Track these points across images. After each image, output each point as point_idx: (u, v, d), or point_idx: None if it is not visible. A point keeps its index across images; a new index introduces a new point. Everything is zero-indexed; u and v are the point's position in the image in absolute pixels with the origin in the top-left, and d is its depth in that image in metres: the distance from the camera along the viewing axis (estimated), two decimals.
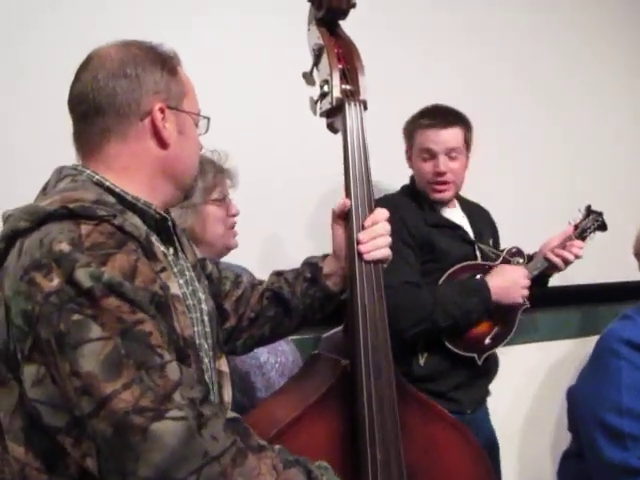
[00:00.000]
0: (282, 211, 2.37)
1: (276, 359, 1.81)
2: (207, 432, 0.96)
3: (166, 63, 1.19)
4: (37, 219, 1.01)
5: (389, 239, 1.37)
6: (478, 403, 2.22)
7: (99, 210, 1.02)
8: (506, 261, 2.20)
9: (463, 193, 2.36)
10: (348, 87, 1.44)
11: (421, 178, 2.22)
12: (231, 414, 1.06)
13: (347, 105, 1.41)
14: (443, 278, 2.13)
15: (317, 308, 1.47)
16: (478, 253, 2.23)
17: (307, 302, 1.46)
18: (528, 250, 2.26)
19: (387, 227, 1.37)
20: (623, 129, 3.11)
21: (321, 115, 1.48)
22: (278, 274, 1.51)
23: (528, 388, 2.75)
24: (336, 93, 1.41)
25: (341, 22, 1.51)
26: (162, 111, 1.16)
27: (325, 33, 1.49)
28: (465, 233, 2.24)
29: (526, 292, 2.14)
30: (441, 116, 2.19)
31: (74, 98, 1.17)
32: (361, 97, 1.44)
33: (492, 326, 2.17)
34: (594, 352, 1.55)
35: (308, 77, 1.52)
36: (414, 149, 2.22)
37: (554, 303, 2.81)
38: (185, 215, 1.70)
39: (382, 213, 1.38)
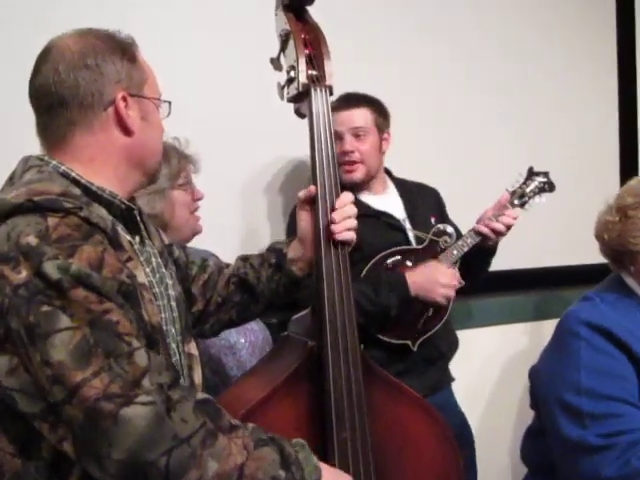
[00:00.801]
0: (248, 195, 2.38)
1: (246, 339, 1.84)
2: (176, 415, 0.99)
3: (126, 51, 1.20)
4: (3, 212, 1.03)
5: (355, 222, 1.39)
6: (432, 389, 2.20)
7: (65, 203, 1.03)
8: (433, 242, 2.19)
9: (413, 175, 2.38)
10: (314, 73, 1.45)
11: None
12: (202, 396, 1.09)
13: (313, 90, 1.42)
14: (367, 268, 2.12)
15: (282, 293, 1.50)
16: (412, 238, 2.23)
17: (272, 287, 1.48)
18: None
19: (354, 210, 1.40)
20: (581, 101, 3.11)
21: (288, 100, 1.49)
22: (244, 259, 1.53)
23: (495, 369, 2.78)
24: (302, 79, 1.43)
25: (308, 7, 1.53)
26: (125, 99, 1.17)
27: (292, 19, 1.49)
28: (393, 219, 2.23)
29: (449, 292, 2.11)
30: (346, 98, 2.22)
31: (36, 91, 1.18)
32: (327, 82, 1.45)
33: (424, 311, 2.16)
34: (555, 333, 1.59)
35: (275, 62, 1.53)
36: None
37: (516, 286, 2.83)
38: (153, 201, 1.72)
39: (348, 196, 1.41)
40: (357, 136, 2.20)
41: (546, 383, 1.56)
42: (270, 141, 2.32)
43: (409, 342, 2.15)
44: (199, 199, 1.86)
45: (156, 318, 1.12)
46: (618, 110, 3.23)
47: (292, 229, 2.16)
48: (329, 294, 1.36)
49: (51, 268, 0.97)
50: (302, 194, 1.43)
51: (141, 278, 1.12)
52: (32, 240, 0.98)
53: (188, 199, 1.81)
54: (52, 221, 1.01)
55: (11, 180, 1.17)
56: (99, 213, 1.09)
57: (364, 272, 2.12)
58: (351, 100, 2.22)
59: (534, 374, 1.64)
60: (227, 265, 1.54)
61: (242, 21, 2.32)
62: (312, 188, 1.40)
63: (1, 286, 0.98)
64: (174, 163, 1.76)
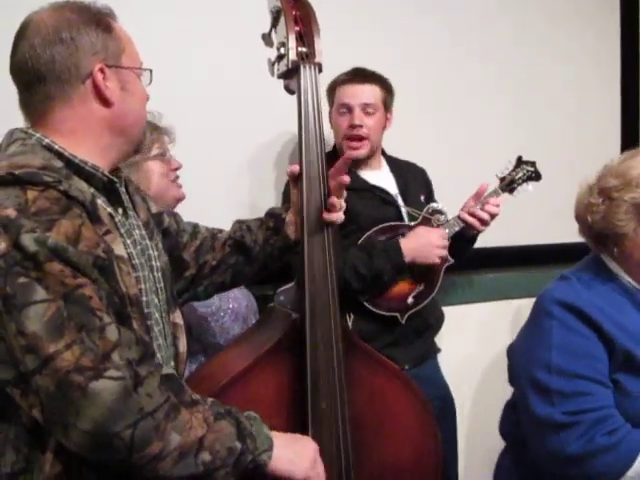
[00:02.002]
0: (243, 169, 2.42)
1: (228, 305, 1.88)
2: (142, 390, 1.03)
3: (100, 22, 1.20)
4: None
5: (343, 204, 1.44)
6: (419, 359, 2.27)
7: (45, 176, 1.06)
8: (426, 220, 2.23)
9: (401, 153, 2.41)
10: (304, 50, 1.46)
11: (338, 134, 2.28)
12: (166, 370, 1.12)
13: (302, 67, 1.44)
14: (361, 240, 2.17)
15: (277, 257, 1.55)
16: (404, 213, 2.27)
17: (268, 250, 1.53)
18: None
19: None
20: (565, 97, 3.10)
21: (278, 77, 1.51)
22: (240, 222, 1.58)
23: (481, 345, 2.82)
24: (292, 56, 1.44)
25: None
26: (102, 71, 1.18)
27: None
28: (387, 194, 2.27)
29: (442, 252, 2.17)
30: (359, 73, 2.25)
31: (14, 67, 1.20)
32: (316, 60, 1.46)
33: (414, 285, 2.21)
34: (531, 312, 1.61)
35: (267, 38, 1.54)
36: (334, 107, 2.28)
37: (504, 263, 2.87)
38: (128, 173, 1.75)
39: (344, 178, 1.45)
40: (366, 112, 2.23)
41: (519, 360, 1.59)
42: (265, 115, 2.34)
43: (398, 315, 2.20)
44: (176, 169, 1.88)
45: (133, 290, 1.16)
46: (620, 94, 3.22)
47: (287, 196, 2.20)
48: (310, 268, 1.40)
49: (28, 240, 1.00)
50: (288, 170, 1.47)
51: (119, 251, 1.15)
52: (11, 213, 1.01)
53: (165, 169, 1.83)
54: (31, 194, 1.03)
55: None
56: (78, 186, 1.11)
57: (359, 242, 2.17)
58: (365, 75, 2.25)
59: (511, 351, 1.68)
60: (220, 230, 1.58)
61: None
62: (295, 167, 1.44)
63: None
64: (147, 135, 1.79)
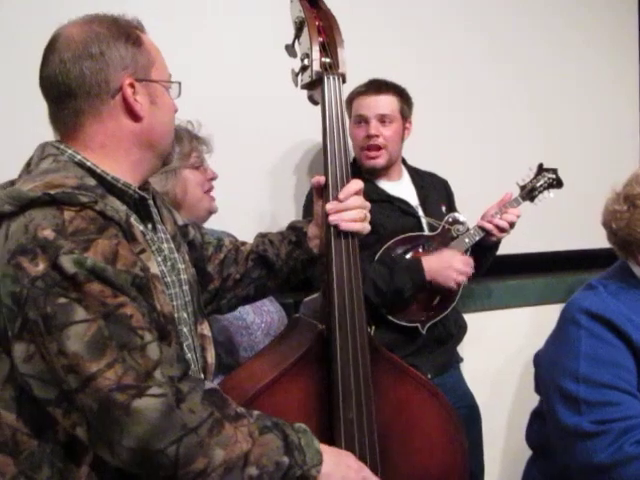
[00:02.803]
0: (265, 178, 2.43)
1: (262, 319, 1.88)
2: (185, 406, 1.04)
3: (130, 36, 1.20)
4: (21, 204, 1.05)
5: (363, 212, 1.41)
6: (441, 368, 2.27)
7: (81, 196, 1.06)
8: (446, 230, 2.24)
9: (426, 165, 2.41)
10: (327, 60, 1.47)
11: (355, 145, 2.29)
12: (209, 385, 1.13)
13: (326, 78, 1.44)
14: (380, 251, 2.17)
15: (300, 270, 1.54)
16: (424, 224, 2.28)
17: (291, 264, 1.53)
18: None
19: (360, 200, 1.41)
20: (591, 107, 3.11)
21: (302, 87, 1.51)
22: (263, 236, 1.57)
23: (503, 352, 2.82)
24: (316, 67, 1.45)
25: None
26: (132, 86, 1.18)
27: (306, 6, 1.51)
28: (407, 205, 2.28)
29: (461, 278, 2.16)
30: (375, 84, 2.26)
31: (44, 82, 1.19)
32: (340, 70, 1.46)
33: (434, 296, 2.21)
34: (558, 320, 1.61)
35: (290, 49, 1.55)
36: (351, 118, 2.28)
37: (524, 270, 2.87)
38: (165, 179, 1.78)
39: (356, 184, 1.42)
40: (382, 122, 2.24)
41: (547, 369, 1.59)
42: (289, 124, 2.35)
43: (419, 325, 2.21)
44: (212, 179, 1.91)
45: (168, 308, 1.16)
46: (639, 100, 3.21)
47: (308, 210, 2.21)
48: (338, 279, 1.39)
49: (67, 262, 1.00)
50: (313, 181, 1.47)
51: (154, 269, 1.16)
52: (49, 234, 1.02)
53: (200, 178, 1.85)
54: (68, 214, 1.04)
55: (28, 167, 1.19)
56: (113, 206, 1.11)
57: (379, 254, 2.17)
58: (380, 86, 2.26)
59: (537, 359, 1.68)
60: (243, 243, 1.58)
61: (260, 4, 2.34)
62: (321, 178, 1.43)
63: (20, 277, 1.02)
64: (186, 144, 1.82)
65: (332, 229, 1.40)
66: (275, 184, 2.45)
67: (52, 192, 1.05)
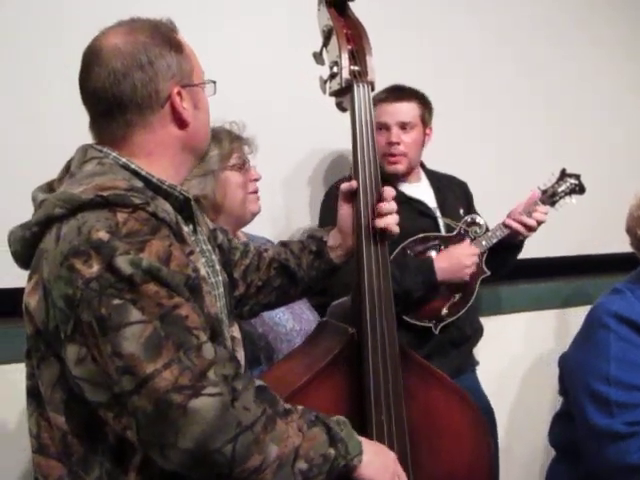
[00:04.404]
0: (285, 184, 2.44)
1: (301, 326, 1.87)
2: (239, 404, 1.04)
3: (172, 42, 1.20)
4: (73, 207, 1.05)
5: (397, 217, 1.44)
6: (455, 371, 2.24)
7: (134, 198, 1.06)
8: (464, 231, 2.25)
9: (447, 167, 2.43)
10: (356, 68, 1.48)
11: (377, 152, 2.29)
12: (259, 382, 1.14)
13: (355, 86, 1.46)
14: (396, 251, 2.17)
15: (321, 279, 1.56)
16: (442, 225, 2.29)
17: (312, 274, 1.54)
18: None
19: (395, 205, 1.44)
20: (610, 109, 3.14)
21: (330, 94, 1.53)
22: (284, 245, 1.58)
23: (521, 356, 2.84)
24: (345, 74, 1.46)
25: (350, 3, 1.57)
26: (179, 94, 1.19)
27: (334, 14, 1.53)
28: (425, 206, 2.29)
29: (472, 269, 2.18)
30: (396, 91, 2.27)
31: (91, 95, 1.18)
32: (369, 78, 1.48)
33: (449, 296, 2.22)
34: (585, 323, 1.64)
35: (318, 57, 1.56)
36: None
37: (542, 274, 2.88)
38: (204, 182, 1.74)
39: (392, 191, 1.45)
40: (403, 129, 2.25)
41: (575, 372, 1.62)
42: (302, 130, 2.36)
43: (431, 325, 2.22)
44: (255, 180, 1.88)
45: (214, 309, 1.17)
46: None
47: (325, 219, 2.24)
48: (369, 283, 1.41)
49: (123, 263, 1.00)
50: (344, 187, 1.48)
51: (202, 271, 1.17)
52: (103, 235, 1.01)
53: (241, 180, 1.82)
54: (121, 216, 1.04)
55: (68, 169, 1.19)
56: (164, 207, 1.12)
57: (394, 254, 2.19)
58: (401, 93, 2.27)
59: (564, 362, 1.70)
60: (266, 249, 1.59)
61: (288, 9, 2.36)
62: (354, 183, 1.45)
63: (73, 279, 1.02)
64: (226, 144, 1.79)
65: (364, 234, 1.42)
66: (289, 189, 2.46)
67: (104, 194, 1.05)
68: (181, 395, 1.00)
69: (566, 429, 1.67)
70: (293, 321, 1.87)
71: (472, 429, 1.52)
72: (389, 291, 1.44)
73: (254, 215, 1.88)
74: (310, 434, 1.13)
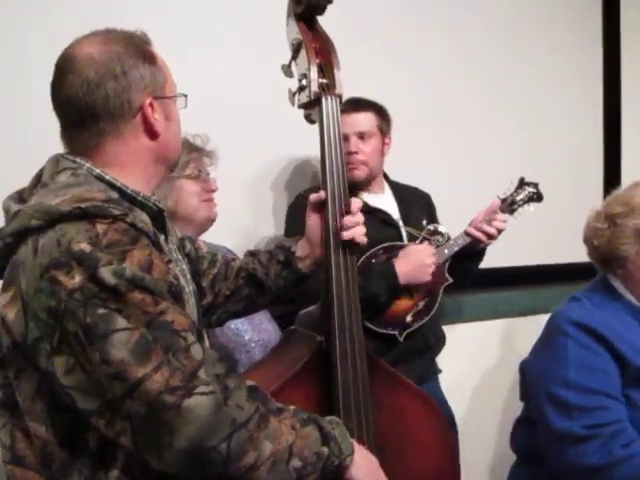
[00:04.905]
0: (252, 193, 2.47)
1: (260, 337, 1.90)
2: (232, 402, 1.05)
3: (146, 54, 1.21)
4: (51, 219, 1.05)
5: (364, 229, 1.47)
6: (420, 379, 2.26)
7: (112, 209, 1.06)
8: (426, 240, 2.31)
9: (411, 179, 2.49)
10: (325, 81, 1.51)
11: None
12: (250, 382, 1.15)
13: (324, 99, 1.49)
14: (360, 260, 2.21)
15: (288, 288, 1.58)
16: (405, 235, 2.34)
17: (280, 283, 1.56)
18: None
19: (361, 218, 1.47)
20: (570, 115, 3.23)
21: (299, 107, 1.55)
22: (252, 255, 1.60)
23: (479, 364, 2.90)
24: (314, 87, 1.49)
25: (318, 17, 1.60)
26: (151, 105, 1.19)
27: (303, 28, 1.55)
28: (388, 216, 2.34)
29: (432, 268, 2.23)
30: (354, 103, 2.32)
31: (63, 104, 1.18)
32: (337, 91, 1.51)
33: (413, 304, 2.27)
34: (545, 331, 1.70)
35: (286, 69, 1.59)
36: None
37: (501, 283, 2.95)
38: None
39: (358, 203, 1.49)
40: (362, 138, 2.31)
41: (536, 377, 1.67)
42: (274, 140, 2.40)
43: (396, 333, 2.25)
44: (211, 190, 1.91)
45: (193, 317, 1.18)
46: (603, 119, 3.37)
47: (290, 229, 2.26)
48: (338, 292, 1.44)
49: (107, 274, 1.00)
50: (313, 197, 1.51)
51: (180, 279, 1.18)
52: (85, 247, 1.01)
53: (197, 189, 1.85)
54: (101, 227, 1.04)
55: (39, 179, 1.19)
56: (141, 218, 1.12)
57: (359, 263, 2.22)
58: (358, 104, 2.32)
59: (524, 368, 1.76)
60: (233, 259, 1.61)
61: (256, 22, 2.38)
62: (322, 193, 1.47)
63: (55, 291, 1.02)
64: (184, 154, 1.81)
65: (333, 244, 1.45)
66: (254, 198, 2.48)
67: (83, 206, 1.05)
68: (174, 396, 1.00)
69: (527, 434, 1.72)
70: (252, 332, 1.89)
71: (438, 434, 1.56)
72: (357, 300, 1.47)
73: (210, 220, 1.91)
74: (303, 432, 1.14)
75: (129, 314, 1.02)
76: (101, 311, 1.01)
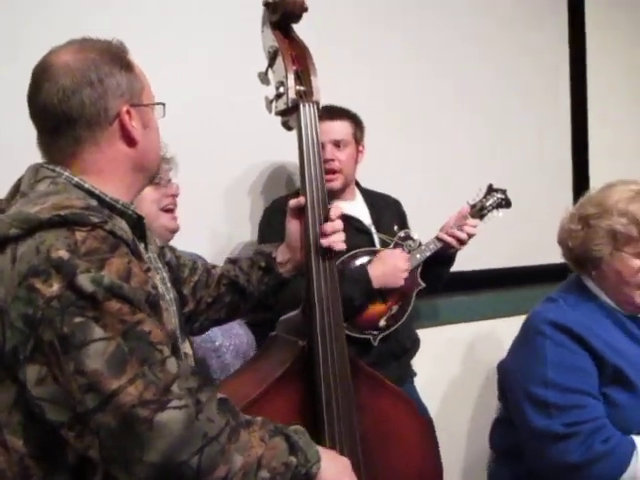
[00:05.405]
0: (227, 199, 2.47)
1: (230, 342, 1.91)
2: (204, 416, 1.05)
3: (123, 61, 1.21)
4: (30, 227, 1.04)
5: (343, 235, 1.49)
6: (397, 382, 2.27)
7: (91, 217, 1.06)
8: (398, 245, 2.34)
9: (380, 185, 2.52)
10: (302, 88, 1.52)
11: None
12: (220, 395, 1.15)
13: (302, 106, 1.50)
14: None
15: (270, 293, 1.59)
16: (377, 241, 2.37)
17: (262, 289, 1.57)
18: None
19: (340, 224, 1.49)
20: (538, 120, 3.29)
21: (276, 114, 1.56)
22: (233, 262, 1.61)
23: (455, 366, 2.94)
24: (291, 94, 1.50)
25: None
26: (128, 112, 1.20)
27: (279, 36, 1.56)
28: (360, 223, 2.37)
29: (406, 273, 2.26)
30: (329, 110, 2.34)
31: (40, 111, 1.18)
32: (314, 98, 1.53)
33: (387, 308, 2.30)
34: (522, 331, 1.73)
35: (263, 77, 1.60)
36: None
37: (474, 286, 2.99)
38: None
39: (337, 209, 1.50)
40: (337, 147, 2.34)
41: (514, 377, 1.70)
42: (250, 146, 2.41)
43: (370, 337, 2.28)
44: (171, 195, 1.90)
45: (171, 326, 1.18)
46: (571, 124, 3.43)
47: (264, 236, 2.28)
48: (319, 297, 1.45)
49: (85, 281, 1.00)
50: (292, 203, 1.52)
51: (159, 288, 1.18)
52: (63, 254, 1.01)
53: (156, 196, 1.84)
54: (80, 235, 1.03)
55: (18, 189, 1.18)
56: (121, 226, 1.12)
57: None
58: (334, 112, 2.35)
59: (502, 368, 1.79)
60: (214, 266, 1.61)
61: (231, 27, 2.39)
62: (302, 199, 1.49)
63: (33, 298, 1.01)
64: None
65: (313, 250, 1.46)
66: (230, 204, 2.49)
67: (62, 213, 1.04)
68: (147, 409, 1.00)
69: (506, 433, 1.75)
70: (222, 337, 1.90)
71: (420, 435, 1.58)
72: (338, 304, 1.48)
73: (169, 231, 1.89)
74: (272, 443, 1.15)
75: (106, 323, 1.01)
76: (78, 320, 1.00)
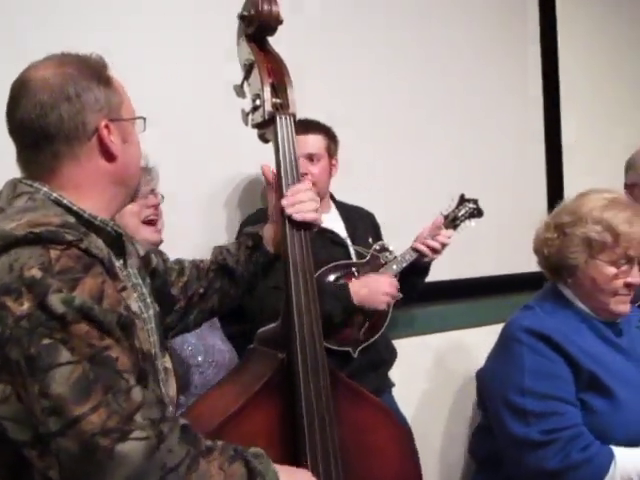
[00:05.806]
0: (207, 209, 2.47)
1: (213, 357, 1.90)
2: (165, 447, 1.04)
3: (101, 76, 1.21)
4: (5, 243, 1.04)
5: (314, 204, 1.49)
6: (375, 393, 2.26)
7: (67, 235, 1.05)
8: (375, 257, 2.36)
9: (353, 198, 2.54)
10: (278, 101, 1.53)
11: None
12: (182, 421, 1.13)
13: (278, 118, 1.50)
14: None
15: (260, 272, 1.60)
16: (353, 253, 2.38)
17: (251, 269, 1.58)
18: None
19: (310, 194, 1.49)
20: (512, 130, 3.31)
21: (253, 126, 1.56)
22: (220, 247, 1.61)
23: (432, 375, 2.93)
24: (268, 107, 1.50)
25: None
26: (107, 127, 1.19)
27: (255, 48, 1.57)
28: (336, 236, 2.38)
29: (389, 299, 2.27)
30: (303, 124, 2.31)
31: (18, 126, 1.18)
32: (290, 110, 1.53)
33: (365, 320, 2.31)
34: (499, 339, 1.74)
35: (239, 90, 1.60)
36: None
37: (451, 295, 2.99)
38: None
39: (305, 184, 1.51)
40: (311, 160, 2.34)
41: (492, 384, 1.71)
42: (227, 158, 2.41)
43: (350, 349, 2.28)
44: (152, 206, 1.89)
45: (147, 345, 1.17)
46: (544, 133, 3.46)
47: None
48: (297, 310, 1.44)
49: (56, 301, 0.99)
50: (266, 172, 1.55)
51: (134, 306, 1.17)
52: (36, 273, 1.00)
53: (136, 208, 1.82)
54: (54, 253, 1.02)
55: None
56: (97, 244, 1.11)
57: None
58: (308, 126, 2.34)
59: (481, 376, 1.80)
60: (201, 260, 1.61)
61: (209, 39, 2.37)
62: (273, 169, 1.51)
63: (3, 317, 1.00)
64: None
65: (287, 224, 1.45)
66: (207, 216, 2.48)
67: (37, 231, 1.03)
68: (108, 439, 0.99)
69: (486, 441, 1.76)
70: (205, 353, 1.89)
71: (400, 444, 1.58)
72: (317, 312, 1.48)
73: (152, 244, 1.86)
74: (230, 470, 1.12)
75: (73, 346, 1.00)
76: (46, 341, 0.99)
